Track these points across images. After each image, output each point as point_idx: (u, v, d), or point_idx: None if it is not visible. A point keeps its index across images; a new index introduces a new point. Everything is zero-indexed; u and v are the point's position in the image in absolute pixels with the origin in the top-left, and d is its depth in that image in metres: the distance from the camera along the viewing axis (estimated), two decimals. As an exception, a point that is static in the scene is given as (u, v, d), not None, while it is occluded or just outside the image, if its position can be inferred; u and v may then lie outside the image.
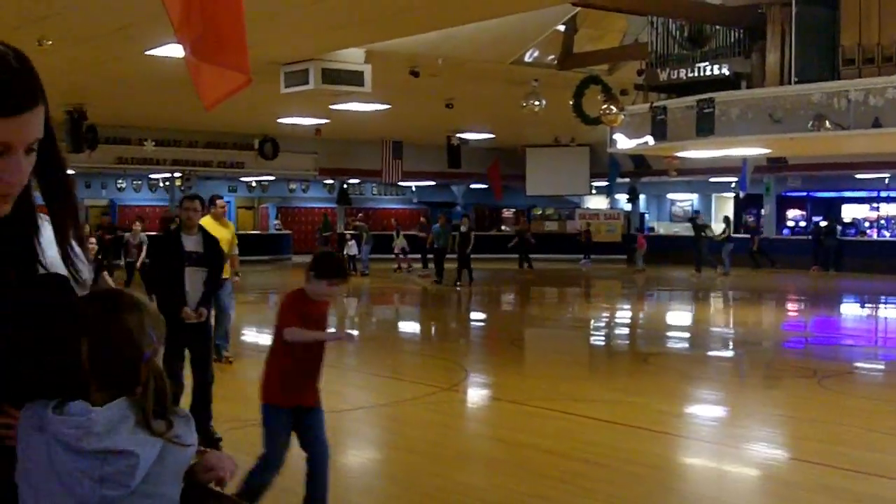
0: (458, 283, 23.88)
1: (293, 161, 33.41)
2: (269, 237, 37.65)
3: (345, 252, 29.82)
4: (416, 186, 42.25)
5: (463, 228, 24.46)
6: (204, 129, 30.67)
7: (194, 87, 4.47)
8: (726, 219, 30.69)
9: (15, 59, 1.67)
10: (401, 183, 37.59)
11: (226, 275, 10.61)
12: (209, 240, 7.86)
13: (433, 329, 17.50)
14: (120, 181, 36.40)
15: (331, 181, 38.72)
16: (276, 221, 40.71)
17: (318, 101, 20.29)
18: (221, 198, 11.68)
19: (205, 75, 4.43)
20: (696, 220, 30.28)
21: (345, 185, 37.56)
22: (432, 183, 39.93)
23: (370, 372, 11.64)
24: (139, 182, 37.03)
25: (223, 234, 10.23)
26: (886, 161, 27.34)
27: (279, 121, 26.72)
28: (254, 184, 38.74)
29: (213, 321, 8.51)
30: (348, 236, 30.37)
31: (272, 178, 36.78)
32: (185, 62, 4.54)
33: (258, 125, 29.05)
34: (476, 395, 10.70)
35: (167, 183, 34.29)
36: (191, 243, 7.67)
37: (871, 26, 18.37)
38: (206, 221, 9.70)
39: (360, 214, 33.40)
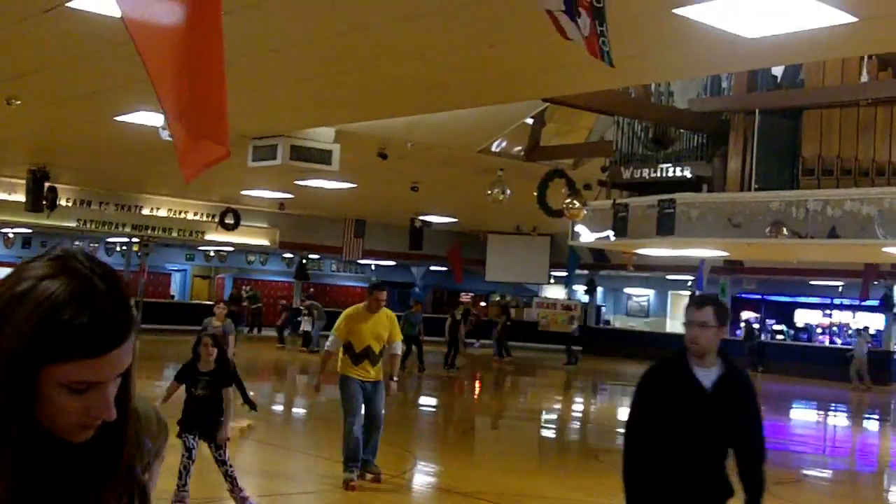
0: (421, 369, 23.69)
1: (254, 233, 33.30)
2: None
3: (300, 329, 29.63)
4: (375, 265, 42.21)
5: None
6: (166, 195, 30.54)
7: (177, 157, 4.43)
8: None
9: (101, 280, 1.41)
10: (360, 261, 37.52)
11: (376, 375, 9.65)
12: None
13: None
14: (77, 242, 36.01)
15: (290, 255, 38.59)
16: (247, 289, 39.83)
17: (284, 175, 20.32)
18: (384, 289, 9.93)
19: (187, 146, 4.40)
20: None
21: (304, 260, 37.44)
22: (392, 263, 39.95)
23: (318, 454, 11.44)
24: (95, 245, 36.66)
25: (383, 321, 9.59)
26: (840, 270, 27.81)
27: (243, 192, 26.69)
28: (212, 253, 38.45)
29: None
30: (304, 311, 30.21)
31: (231, 248, 36.57)
32: (171, 131, 4.51)
33: (221, 195, 28.98)
34: (422, 483, 10.54)
35: (124, 248, 33.98)
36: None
37: (832, 139, 18.81)
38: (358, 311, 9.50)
39: (311, 290, 33.26)
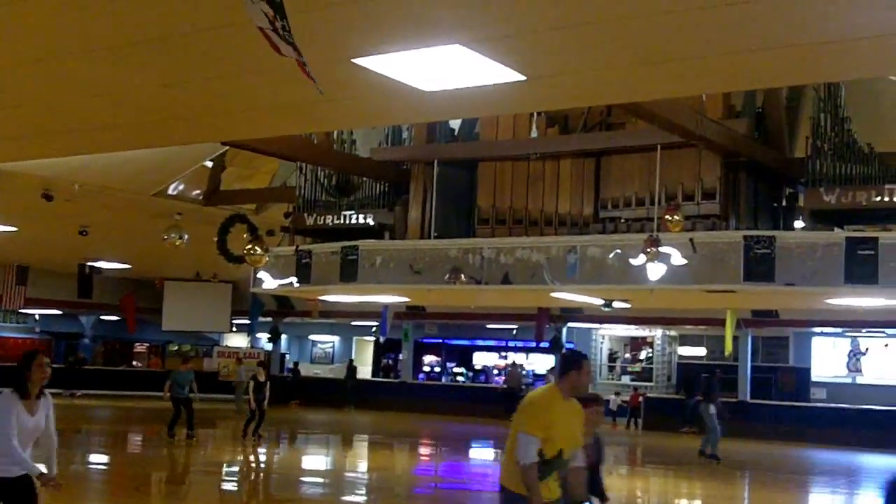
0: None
1: None
2: None
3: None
4: (39, 315, 39.19)
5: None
6: None
7: None
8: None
9: None
10: (23, 311, 34.85)
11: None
12: None
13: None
14: None
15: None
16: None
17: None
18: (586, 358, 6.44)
19: None
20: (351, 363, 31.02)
21: (-42, 309, 34.18)
22: (59, 312, 37.31)
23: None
24: None
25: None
26: (514, 314, 29.20)
27: None
28: None
29: None
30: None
31: None
32: None
33: None
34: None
35: None
36: None
37: (505, 191, 19.74)
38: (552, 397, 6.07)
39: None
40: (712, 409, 19.42)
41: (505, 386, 31.26)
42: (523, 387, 30.59)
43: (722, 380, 21.85)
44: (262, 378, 20.12)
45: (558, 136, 19.16)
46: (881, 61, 6.20)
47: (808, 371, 29.19)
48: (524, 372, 32.76)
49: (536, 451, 5.73)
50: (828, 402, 27.65)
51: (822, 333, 28.89)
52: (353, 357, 37.29)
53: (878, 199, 16.69)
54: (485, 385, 33.92)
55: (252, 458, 19.21)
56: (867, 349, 28.18)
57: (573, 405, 6.06)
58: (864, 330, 27.44)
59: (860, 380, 28.59)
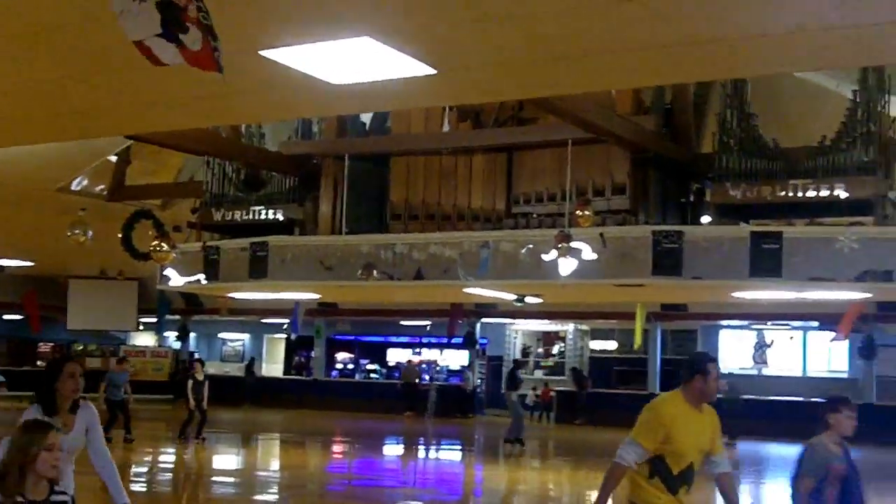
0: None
1: None
2: None
3: None
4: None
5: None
6: None
7: None
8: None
9: None
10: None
11: None
12: None
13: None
14: None
15: None
16: None
17: None
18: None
19: None
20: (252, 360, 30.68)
21: None
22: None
23: None
24: None
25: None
26: (427, 309, 29.14)
27: None
28: None
29: None
30: None
31: None
32: None
33: None
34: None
35: None
36: None
37: (417, 186, 19.67)
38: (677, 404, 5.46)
39: None
40: (515, 396, 20.98)
41: (401, 382, 31.31)
42: (420, 381, 30.94)
43: (516, 373, 22.68)
44: (199, 377, 19.18)
45: (470, 130, 19.16)
46: (787, 58, 6.28)
47: (715, 363, 29.77)
48: (421, 367, 32.89)
49: (636, 459, 5.30)
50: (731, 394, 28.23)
51: (728, 326, 29.50)
52: (263, 355, 36.84)
53: (783, 193, 17.07)
54: (399, 382, 33.76)
55: (162, 458, 18.80)
56: (772, 341, 28.84)
57: (703, 413, 5.41)
58: (769, 323, 28.10)
59: (766, 371, 29.27)
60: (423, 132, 19.50)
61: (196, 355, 28.73)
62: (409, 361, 32.88)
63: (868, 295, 18.09)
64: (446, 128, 19.14)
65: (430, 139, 19.33)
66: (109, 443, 18.38)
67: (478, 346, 31.39)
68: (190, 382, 19.23)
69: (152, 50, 4.17)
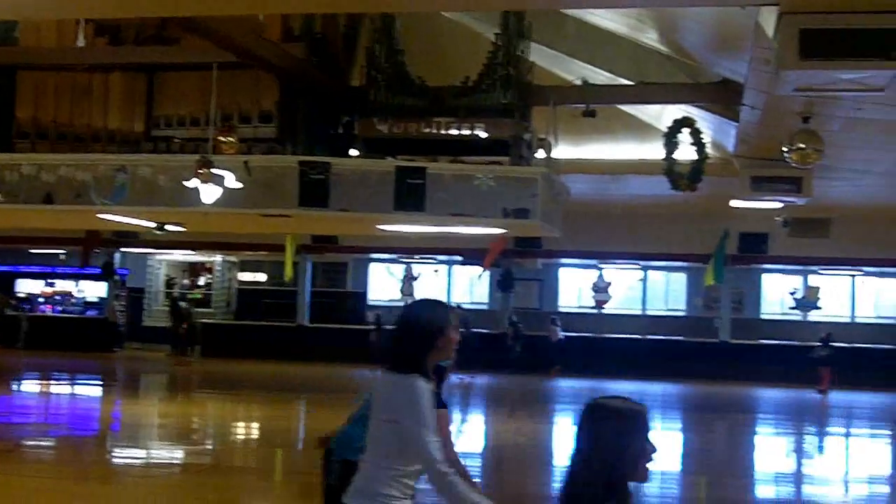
0: None
1: None
2: None
3: None
4: None
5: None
6: None
7: None
8: None
9: None
10: None
11: None
12: None
13: None
14: None
15: None
16: None
17: None
18: None
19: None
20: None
21: None
22: None
23: None
24: None
25: None
26: (62, 238, 27.22)
27: None
28: None
29: None
30: None
31: None
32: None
33: None
34: None
35: None
36: None
37: (48, 103, 18.08)
38: None
39: None
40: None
41: None
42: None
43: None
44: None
45: (107, 46, 17.81)
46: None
47: (364, 295, 30.31)
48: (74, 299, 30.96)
49: None
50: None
51: (378, 260, 30.09)
52: None
53: (428, 130, 17.40)
54: (32, 315, 31.30)
55: None
56: (419, 274, 29.75)
57: None
58: (416, 257, 28.94)
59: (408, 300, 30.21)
60: (55, 46, 17.90)
61: None
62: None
63: (505, 231, 19.02)
64: (81, 42, 17.66)
65: (62, 53, 17.80)
66: None
67: (117, 277, 29.83)
68: None
69: None
